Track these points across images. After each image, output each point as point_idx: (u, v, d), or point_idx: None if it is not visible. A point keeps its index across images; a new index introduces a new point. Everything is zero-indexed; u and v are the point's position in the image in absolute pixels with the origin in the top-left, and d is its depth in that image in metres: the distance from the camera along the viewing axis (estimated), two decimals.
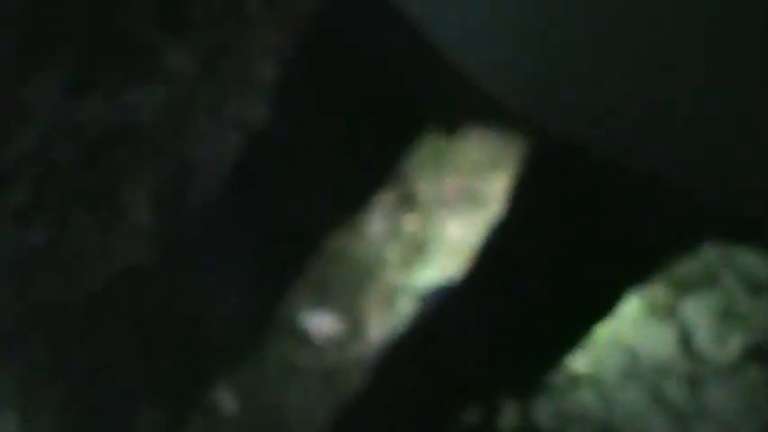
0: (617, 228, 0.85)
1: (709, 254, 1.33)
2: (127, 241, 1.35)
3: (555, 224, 0.92)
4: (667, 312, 1.33)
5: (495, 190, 1.42)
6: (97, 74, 1.41)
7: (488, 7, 0.70)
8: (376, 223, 1.39)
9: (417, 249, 1.40)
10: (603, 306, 0.99)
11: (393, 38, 0.78)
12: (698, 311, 1.33)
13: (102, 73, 1.41)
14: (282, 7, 1.50)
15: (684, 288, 1.33)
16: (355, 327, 1.37)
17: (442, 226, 1.42)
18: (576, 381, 1.26)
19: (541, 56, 0.70)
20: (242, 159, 1.24)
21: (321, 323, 1.37)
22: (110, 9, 1.44)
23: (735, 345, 1.33)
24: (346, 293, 1.38)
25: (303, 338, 1.36)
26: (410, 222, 1.41)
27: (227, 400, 1.31)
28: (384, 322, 1.38)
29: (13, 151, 1.36)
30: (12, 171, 1.36)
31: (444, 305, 1.14)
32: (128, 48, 1.43)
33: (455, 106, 0.89)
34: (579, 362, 1.26)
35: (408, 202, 1.40)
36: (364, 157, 1.06)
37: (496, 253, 1.04)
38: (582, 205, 0.86)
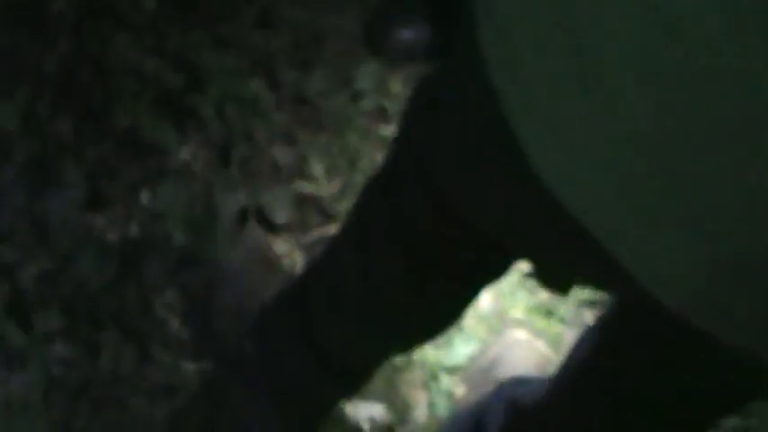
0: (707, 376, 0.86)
1: None
2: (162, 358, 1.31)
3: (645, 356, 0.92)
4: None
5: None
6: (110, 182, 1.35)
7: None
8: None
9: None
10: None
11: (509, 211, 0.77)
12: None
13: (114, 180, 1.35)
14: (287, 87, 1.46)
15: None
16: (403, 410, 1.37)
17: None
18: None
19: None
20: (301, 278, 1.20)
21: (369, 412, 1.36)
22: (111, 110, 1.38)
23: None
24: (389, 378, 1.37)
25: (354, 430, 1.35)
26: None
27: None
28: (430, 402, 1.38)
29: (35, 272, 1.31)
30: (35, 294, 1.30)
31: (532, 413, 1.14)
32: (136, 149, 1.38)
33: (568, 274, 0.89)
34: None
35: None
36: (430, 315, 1.06)
37: (588, 371, 1.05)
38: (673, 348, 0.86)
